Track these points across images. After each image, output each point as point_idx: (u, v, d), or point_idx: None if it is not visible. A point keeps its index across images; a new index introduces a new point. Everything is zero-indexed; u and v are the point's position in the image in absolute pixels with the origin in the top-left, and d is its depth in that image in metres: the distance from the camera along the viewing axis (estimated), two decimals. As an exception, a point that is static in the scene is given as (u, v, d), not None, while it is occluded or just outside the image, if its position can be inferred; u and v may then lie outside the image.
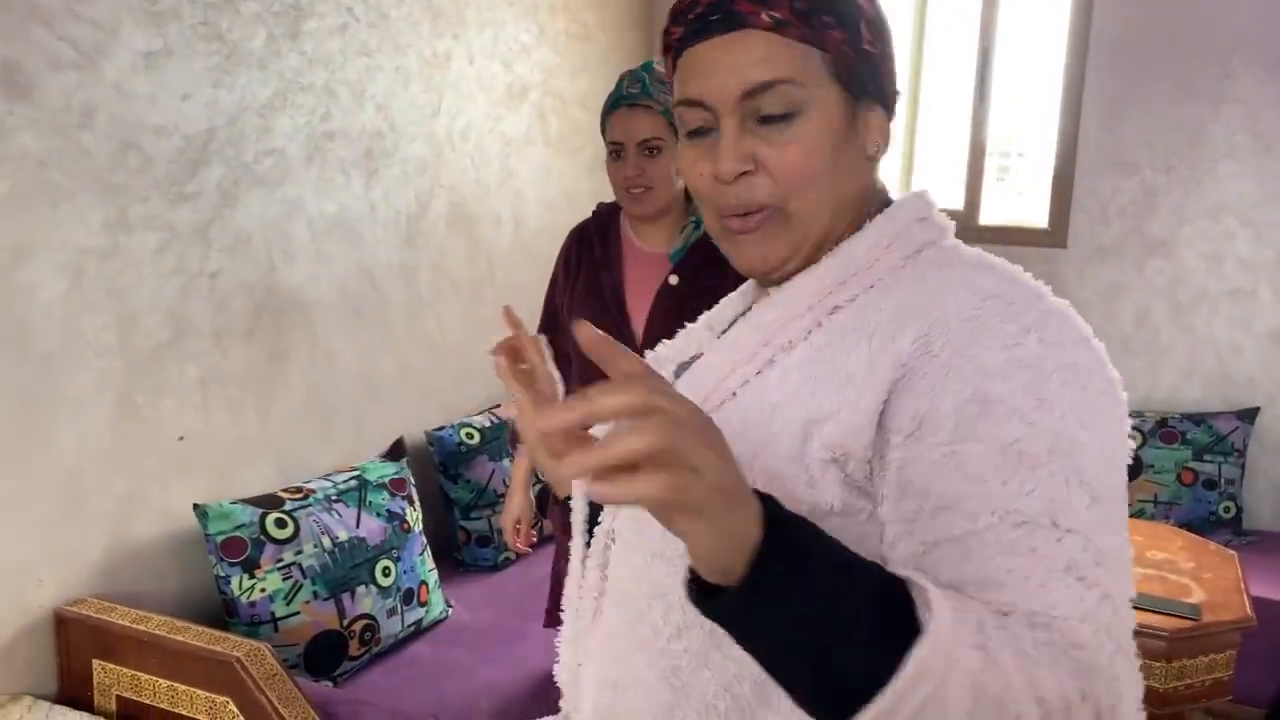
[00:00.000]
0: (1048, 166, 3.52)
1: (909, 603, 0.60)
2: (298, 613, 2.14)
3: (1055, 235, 3.53)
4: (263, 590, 2.10)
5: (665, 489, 0.53)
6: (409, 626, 2.39)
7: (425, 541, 2.52)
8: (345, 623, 2.21)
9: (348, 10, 2.46)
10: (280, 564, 2.14)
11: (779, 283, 0.87)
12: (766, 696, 0.75)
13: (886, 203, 0.89)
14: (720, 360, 0.86)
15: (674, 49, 0.85)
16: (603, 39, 3.63)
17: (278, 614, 2.11)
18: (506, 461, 2.89)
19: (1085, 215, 3.45)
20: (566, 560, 2.05)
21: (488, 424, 2.94)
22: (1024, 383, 0.68)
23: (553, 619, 2.18)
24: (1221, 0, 3.14)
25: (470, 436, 2.86)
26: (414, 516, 2.50)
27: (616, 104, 1.93)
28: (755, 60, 0.78)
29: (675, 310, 1.94)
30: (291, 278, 2.38)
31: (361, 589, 2.26)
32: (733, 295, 1.04)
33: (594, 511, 0.95)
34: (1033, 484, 0.66)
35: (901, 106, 3.73)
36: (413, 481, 2.57)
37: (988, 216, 3.65)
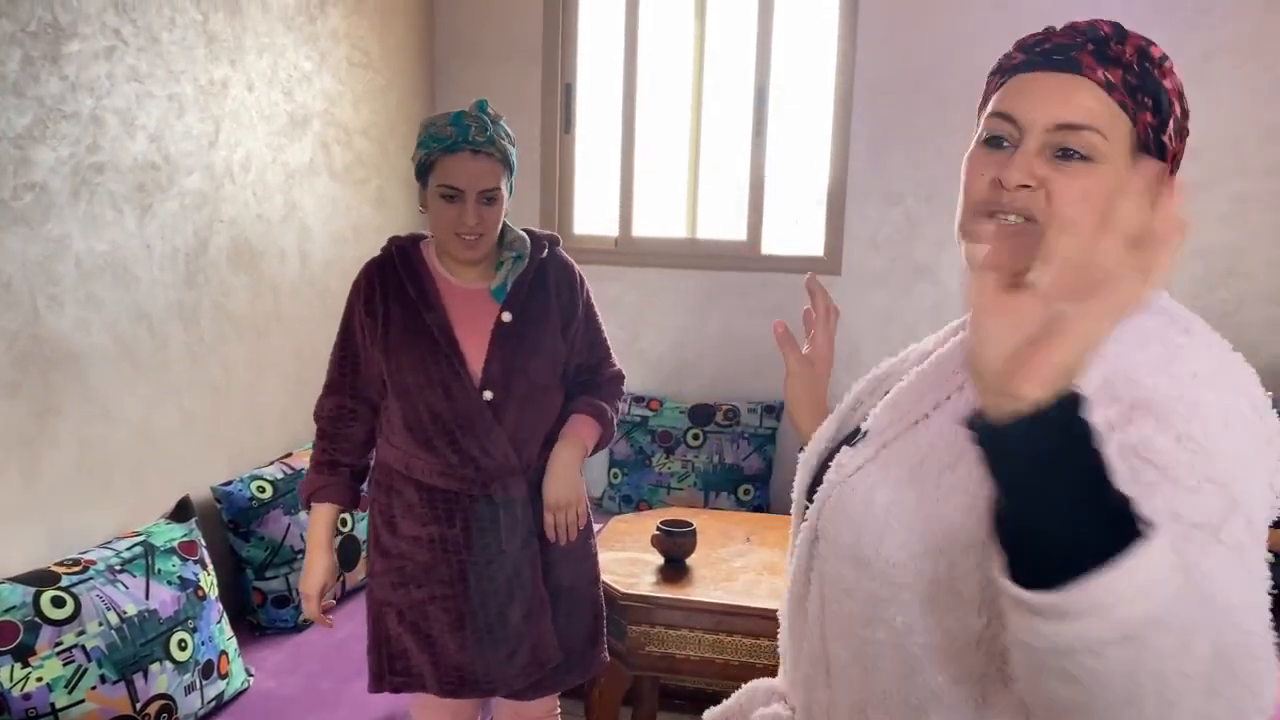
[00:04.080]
0: (821, 198, 3.73)
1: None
2: (82, 700, 1.90)
3: (830, 263, 3.73)
4: (39, 679, 1.86)
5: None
6: (210, 702, 2.19)
7: (222, 608, 2.32)
8: (139, 706, 1.99)
9: (114, 33, 2.25)
10: (60, 647, 1.90)
11: None
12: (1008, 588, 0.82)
13: None
14: (917, 381, 0.97)
15: (1007, 71, 0.95)
16: (385, 68, 3.51)
17: (59, 705, 1.87)
18: (304, 514, 2.71)
19: (857, 244, 3.67)
20: (396, 614, 1.93)
21: (281, 475, 2.75)
22: (1193, 419, 0.77)
23: (382, 683, 2.00)
24: (966, 48, 3.44)
25: (262, 490, 2.67)
26: (208, 582, 2.30)
27: (456, 147, 1.83)
28: (1078, 101, 0.88)
29: (513, 347, 1.90)
30: (59, 325, 2.13)
31: (155, 667, 2.05)
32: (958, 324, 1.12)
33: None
34: (1204, 496, 0.75)
35: (684, 143, 3.79)
36: (203, 543, 2.36)
37: (768, 247, 3.82)
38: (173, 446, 2.52)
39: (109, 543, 2.18)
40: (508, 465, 1.88)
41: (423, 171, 1.90)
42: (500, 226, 1.92)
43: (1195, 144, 3.48)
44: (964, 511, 0.83)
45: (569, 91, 3.90)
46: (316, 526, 2.01)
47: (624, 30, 3.80)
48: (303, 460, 2.86)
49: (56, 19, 2.09)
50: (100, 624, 1.97)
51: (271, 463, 2.83)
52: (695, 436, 3.63)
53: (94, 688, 1.93)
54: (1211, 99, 3.31)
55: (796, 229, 3.87)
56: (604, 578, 2.47)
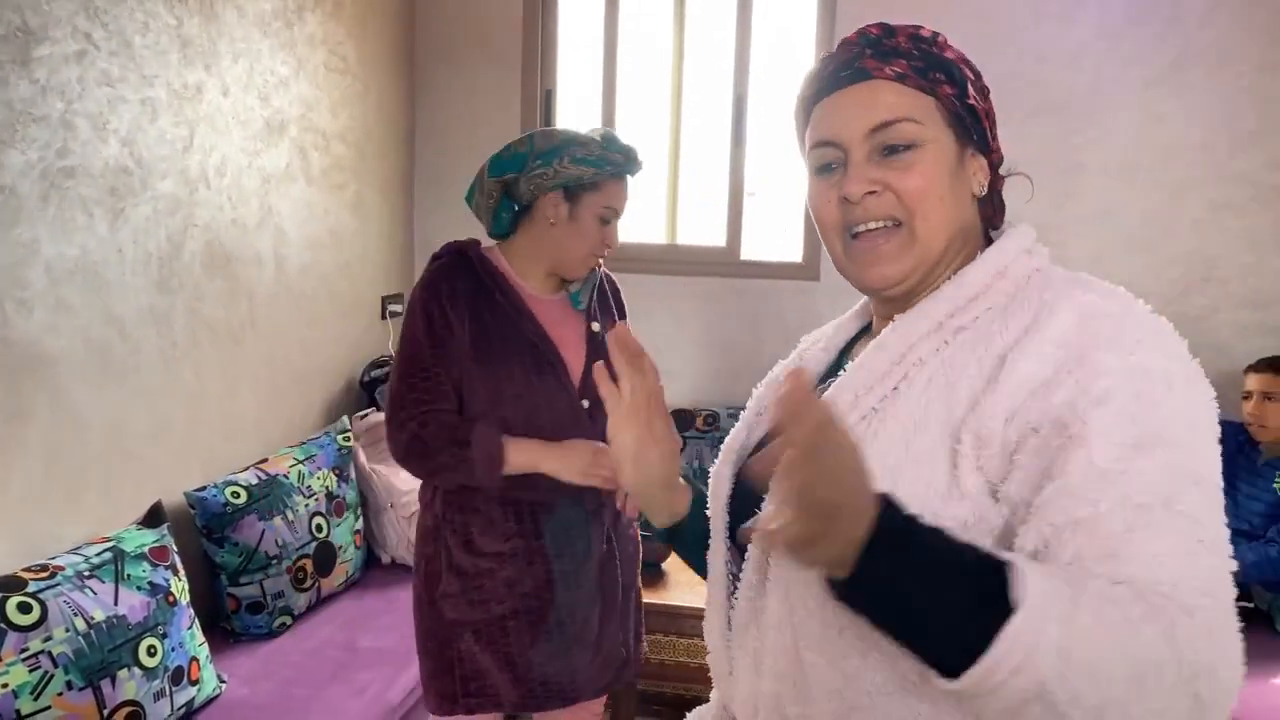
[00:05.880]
0: (800, 204, 3.74)
1: (1003, 584, 0.71)
2: (48, 707, 1.89)
3: (809, 269, 3.75)
4: (4, 686, 1.84)
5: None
6: (179, 709, 2.17)
7: (193, 614, 2.31)
8: (106, 713, 1.98)
9: (85, 36, 2.24)
10: (25, 654, 1.88)
11: (896, 300, 0.98)
12: (928, 678, 0.85)
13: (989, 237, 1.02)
14: (853, 381, 0.95)
15: (808, 104, 1.01)
16: (363, 73, 3.51)
17: (24, 711, 1.85)
18: (279, 520, 2.70)
19: (835, 250, 3.67)
20: (473, 632, 1.90)
21: (255, 480, 2.74)
22: (1138, 388, 0.79)
23: (456, 705, 1.93)
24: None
25: (236, 495, 2.65)
26: (179, 587, 2.28)
27: (622, 172, 1.89)
28: (881, 102, 0.94)
29: (599, 357, 1.89)
30: (28, 329, 2.12)
31: (123, 673, 2.03)
32: (845, 319, 1.14)
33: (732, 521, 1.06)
34: (1149, 473, 0.76)
35: (663, 150, 3.81)
36: (175, 549, 2.35)
37: (748, 252, 3.83)
38: (145, 452, 2.50)
39: (78, 548, 2.16)
40: None
41: (577, 188, 1.87)
42: None
43: (1169, 151, 3.50)
44: (942, 499, 0.84)
45: (549, 97, 3.90)
46: (530, 449, 1.84)
47: (603, 36, 3.80)
48: (277, 465, 2.84)
49: (26, 23, 2.08)
50: (67, 630, 1.95)
51: (246, 468, 2.81)
52: (674, 442, 3.62)
53: (60, 694, 1.91)
54: (1184, 107, 3.33)
55: (776, 235, 3.88)
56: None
